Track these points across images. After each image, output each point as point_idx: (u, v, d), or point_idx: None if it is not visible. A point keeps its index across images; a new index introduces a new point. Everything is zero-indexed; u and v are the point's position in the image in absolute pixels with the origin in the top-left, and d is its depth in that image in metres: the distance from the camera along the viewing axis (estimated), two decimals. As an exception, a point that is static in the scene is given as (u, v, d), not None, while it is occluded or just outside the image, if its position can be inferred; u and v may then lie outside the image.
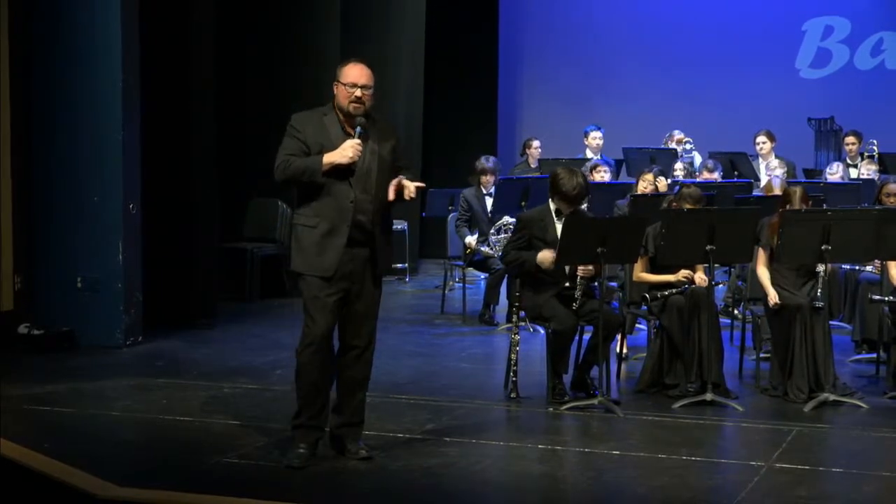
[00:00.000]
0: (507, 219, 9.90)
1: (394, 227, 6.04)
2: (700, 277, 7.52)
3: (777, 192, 9.09)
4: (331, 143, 5.59)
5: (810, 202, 7.74)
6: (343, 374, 5.82)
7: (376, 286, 5.78)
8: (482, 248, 10.10)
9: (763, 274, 7.57)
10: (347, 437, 5.85)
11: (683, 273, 7.56)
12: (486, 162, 10.58)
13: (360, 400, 5.86)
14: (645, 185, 9.45)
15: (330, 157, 5.55)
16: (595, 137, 12.64)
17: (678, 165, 11.59)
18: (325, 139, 5.61)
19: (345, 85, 5.63)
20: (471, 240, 10.21)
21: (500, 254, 9.68)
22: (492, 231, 9.94)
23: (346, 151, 5.55)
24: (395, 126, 5.92)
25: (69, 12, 8.72)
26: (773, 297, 7.42)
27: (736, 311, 9.14)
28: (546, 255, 7.08)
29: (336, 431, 5.87)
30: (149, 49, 9.08)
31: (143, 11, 8.92)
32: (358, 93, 5.61)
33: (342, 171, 5.58)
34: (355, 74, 5.64)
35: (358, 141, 5.57)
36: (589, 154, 12.55)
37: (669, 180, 10.33)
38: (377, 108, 5.86)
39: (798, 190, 7.72)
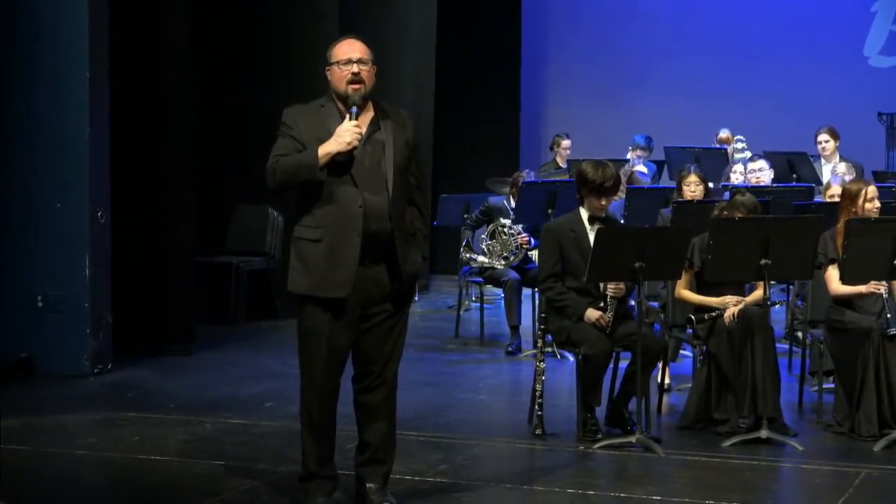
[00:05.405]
0: (502, 220, 9.98)
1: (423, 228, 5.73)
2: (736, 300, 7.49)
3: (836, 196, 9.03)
4: (330, 137, 5.43)
5: (876, 202, 7.65)
6: (360, 402, 5.64)
7: (402, 305, 5.62)
8: (473, 258, 10.06)
9: (842, 290, 7.46)
10: (368, 479, 5.65)
11: (729, 299, 7.52)
12: (531, 178, 10.70)
13: (383, 431, 5.65)
14: (691, 189, 9.01)
15: (325, 147, 5.37)
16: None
17: (738, 168, 11.55)
18: (323, 132, 5.44)
19: (337, 64, 5.50)
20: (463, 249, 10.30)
21: (494, 261, 9.78)
22: (482, 235, 9.93)
23: (343, 137, 5.37)
24: (409, 115, 5.77)
25: (32, 5, 8.75)
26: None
27: (800, 335, 9.07)
28: (592, 314, 7.13)
29: (358, 471, 5.71)
30: (123, 44, 9.12)
31: (117, 3, 8.97)
32: (354, 68, 5.46)
33: (343, 168, 5.42)
34: (347, 49, 5.51)
35: (356, 122, 5.41)
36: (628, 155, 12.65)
37: (721, 184, 10.26)
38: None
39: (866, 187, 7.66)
